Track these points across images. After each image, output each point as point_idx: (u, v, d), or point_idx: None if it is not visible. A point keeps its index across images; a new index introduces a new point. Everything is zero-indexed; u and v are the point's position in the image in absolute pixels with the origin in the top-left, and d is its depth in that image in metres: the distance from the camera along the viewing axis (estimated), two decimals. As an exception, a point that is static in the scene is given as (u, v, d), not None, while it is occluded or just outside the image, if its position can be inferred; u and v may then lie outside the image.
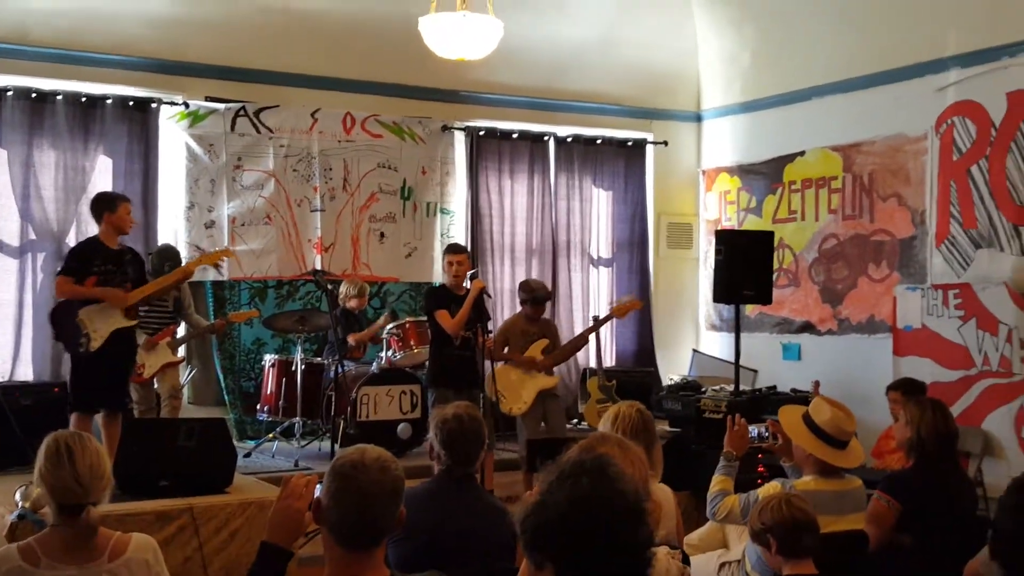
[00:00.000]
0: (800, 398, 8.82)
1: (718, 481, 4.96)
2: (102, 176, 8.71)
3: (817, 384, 8.74)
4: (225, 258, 8.06)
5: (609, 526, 2.24)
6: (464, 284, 7.92)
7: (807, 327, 9.95)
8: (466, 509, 4.07)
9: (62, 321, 6.82)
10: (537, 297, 8.42)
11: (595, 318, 9.33)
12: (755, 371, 10.00)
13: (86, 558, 3.43)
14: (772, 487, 4.69)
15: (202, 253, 8.42)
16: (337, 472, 2.83)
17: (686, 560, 4.08)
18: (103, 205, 6.97)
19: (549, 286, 10.01)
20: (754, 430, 5.20)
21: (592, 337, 9.17)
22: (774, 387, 9.44)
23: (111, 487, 3.59)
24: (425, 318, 8.39)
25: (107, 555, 3.47)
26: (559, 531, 2.26)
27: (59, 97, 8.50)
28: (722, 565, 5.15)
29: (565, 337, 9.42)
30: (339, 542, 2.80)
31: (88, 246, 7.02)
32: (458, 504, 4.08)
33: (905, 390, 7.36)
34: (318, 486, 2.96)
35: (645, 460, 3.57)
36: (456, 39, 7.36)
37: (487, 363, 7.78)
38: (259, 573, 3.01)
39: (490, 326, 7.98)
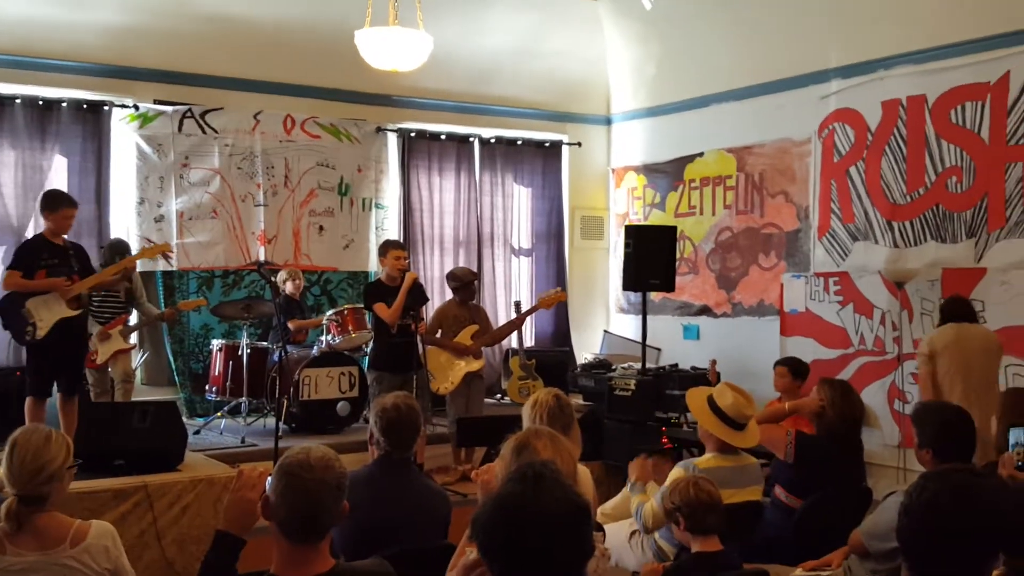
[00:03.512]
0: (699, 374, 8.91)
1: (636, 499, 5.01)
2: (58, 174, 8.47)
3: (714, 362, 8.80)
4: (166, 253, 7.89)
5: (531, 536, 2.14)
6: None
7: (705, 310, 10.00)
8: (403, 491, 3.99)
9: (9, 312, 6.58)
10: (465, 284, 8.32)
11: (517, 304, 9.21)
12: (659, 350, 10.04)
13: (48, 544, 3.30)
14: (677, 472, 4.71)
15: (150, 245, 8.17)
16: (284, 472, 2.72)
17: (599, 528, 4.05)
18: (46, 205, 6.70)
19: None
20: None
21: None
22: (676, 364, 9.52)
23: (57, 480, 3.34)
24: (362, 305, 8.31)
25: (68, 542, 3.35)
26: (485, 528, 2.19)
27: (17, 100, 8.25)
28: (633, 532, 5.12)
29: (493, 321, 9.31)
30: (286, 536, 2.70)
31: (34, 243, 6.76)
32: (396, 487, 4.00)
33: (792, 369, 7.47)
34: (269, 478, 2.87)
35: (573, 454, 3.48)
36: (389, 52, 7.21)
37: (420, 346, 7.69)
38: (214, 559, 2.94)
39: (427, 308, 7.87)
